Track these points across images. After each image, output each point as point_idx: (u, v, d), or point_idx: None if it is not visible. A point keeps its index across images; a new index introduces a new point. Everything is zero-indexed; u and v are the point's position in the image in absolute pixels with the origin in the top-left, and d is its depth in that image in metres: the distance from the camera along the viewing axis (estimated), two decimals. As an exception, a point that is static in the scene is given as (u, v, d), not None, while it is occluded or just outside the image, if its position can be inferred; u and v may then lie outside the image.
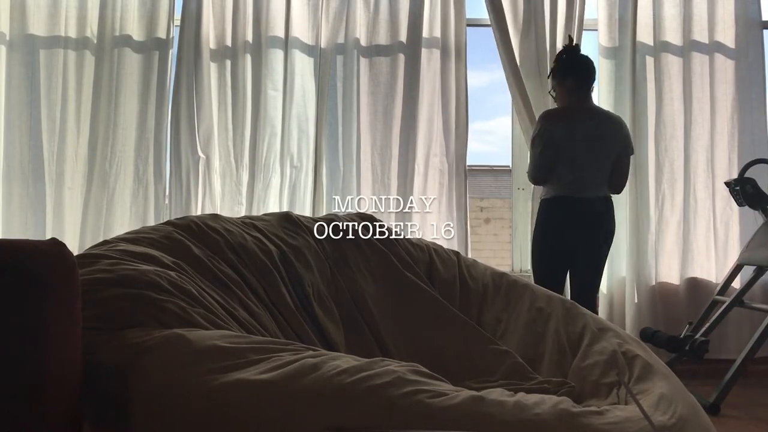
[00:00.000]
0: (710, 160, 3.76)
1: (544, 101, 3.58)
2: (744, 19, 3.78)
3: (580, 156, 2.91)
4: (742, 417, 2.94)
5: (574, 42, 3.17)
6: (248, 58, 3.62)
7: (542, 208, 3.02)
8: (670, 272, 3.73)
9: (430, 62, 3.68)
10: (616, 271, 3.71)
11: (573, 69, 3.05)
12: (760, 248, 3.32)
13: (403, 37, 3.67)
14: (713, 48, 3.78)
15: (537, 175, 3.00)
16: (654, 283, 3.71)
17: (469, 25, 3.85)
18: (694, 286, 3.72)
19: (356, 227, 2.26)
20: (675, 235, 3.73)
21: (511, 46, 3.65)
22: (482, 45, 3.78)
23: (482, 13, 3.74)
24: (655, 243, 3.72)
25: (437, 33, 3.68)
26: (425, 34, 3.67)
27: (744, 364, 3.04)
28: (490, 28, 3.72)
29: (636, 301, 3.69)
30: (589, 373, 1.78)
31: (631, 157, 3.13)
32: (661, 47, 3.77)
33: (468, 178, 3.70)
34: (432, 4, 3.68)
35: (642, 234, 3.71)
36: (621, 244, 3.71)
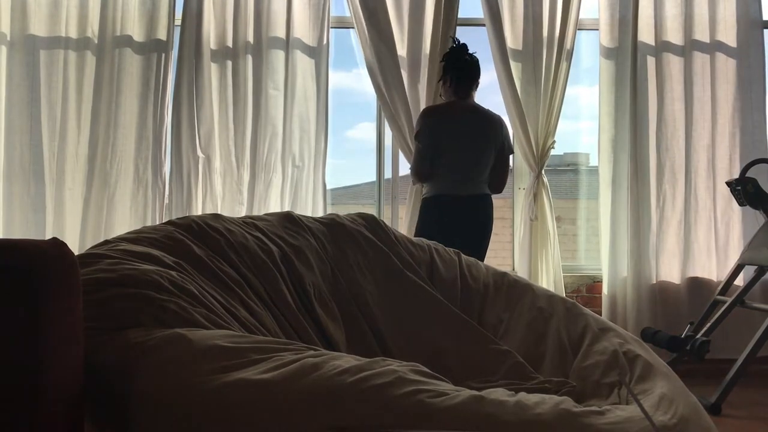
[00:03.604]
0: (711, 160, 3.76)
1: (535, 101, 3.60)
2: (745, 19, 3.78)
3: (460, 154, 2.95)
4: (743, 417, 2.94)
5: (460, 42, 3.20)
6: (249, 59, 3.63)
7: (423, 206, 3.05)
8: (671, 272, 3.73)
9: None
10: (617, 271, 3.71)
11: (457, 68, 3.08)
12: (761, 248, 3.32)
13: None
14: (714, 48, 3.78)
15: (420, 171, 3.03)
16: (655, 282, 3.71)
17: (466, 25, 3.86)
18: (696, 285, 3.72)
19: (357, 227, 2.26)
20: (676, 234, 3.73)
21: (505, 46, 3.66)
22: (483, 44, 3.76)
23: (479, 12, 3.75)
24: (656, 243, 3.72)
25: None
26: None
27: (745, 364, 3.04)
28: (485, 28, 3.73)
29: (637, 301, 3.69)
30: (590, 373, 1.78)
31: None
32: (662, 47, 3.77)
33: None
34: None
35: (643, 234, 3.71)
36: (622, 244, 3.70)
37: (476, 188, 2.98)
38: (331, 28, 3.74)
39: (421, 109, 3.28)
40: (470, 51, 3.14)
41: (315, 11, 3.68)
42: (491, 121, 3.07)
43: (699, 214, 3.75)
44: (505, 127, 3.14)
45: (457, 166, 2.95)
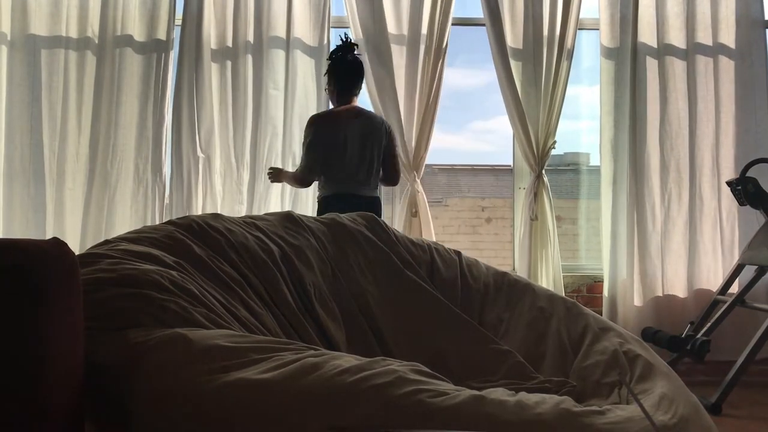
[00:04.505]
0: (716, 159, 3.76)
1: (536, 101, 3.60)
2: (746, 19, 3.78)
3: (350, 156, 3.00)
4: (743, 417, 2.94)
5: (352, 41, 3.18)
6: (249, 58, 3.63)
7: (320, 206, 3.09)
8: (675, 272, 3.72)
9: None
10: (618, 270, 3.71)
11: (341, 71, 3.10)
12: (761, 248, 3.32)
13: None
14: (717, 47, 3.78)
15: (307, 178, 3.10)
16: (657, 282, 3.71)
17: (464, 24, 3.86)
18: (699, 285, 3.72)
19: (358, 227, 2.26)
20: (682, 234, 3.72)
21: (505, 46, 3.66)
22: (483, 44, 3.76)
23: (479, 12, 3.75)
24: (661, 243, 3.72)
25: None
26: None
27: (746, 363, 3.04)
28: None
29: (637, 300, 3.69)
30: (591, 372, 1.78)
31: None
32: (664, 49, 3.76)
33: (469, 178, 3.70)
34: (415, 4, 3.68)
35: (647, 233, 3.70)
36: (622, 244, 3.70)
37: (364, 190, 3.05)
38: (332, 27, 3.74)
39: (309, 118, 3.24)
40: (356, 52, 3.15)
41: (315, 11, 3.68)
42: (375, 123, 3.12)
43: (704, 213, 3.74)
44: (388, 126, 3.19)
45: (344, 170, 3.01)
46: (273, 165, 3.54)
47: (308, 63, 3.66)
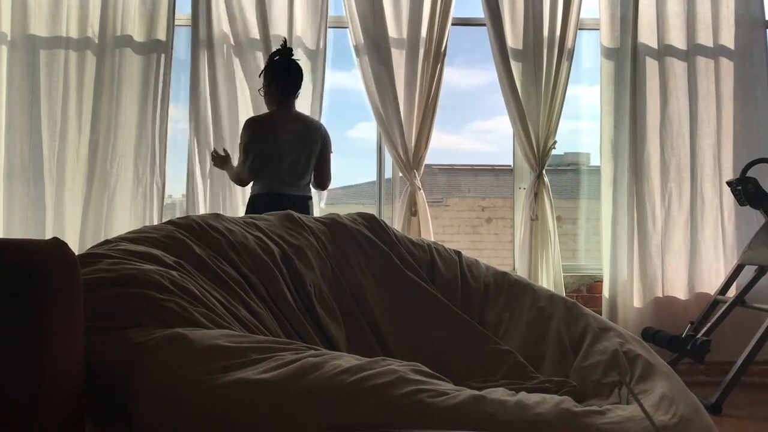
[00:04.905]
0: (717, 158, 3.75)
1: (536, 101, 3.60)
2: (747, 19, 3.77)
3: (284, 159, 3.04)
4: (743, 417, 2.94)
5: (288, 46, 3.19)
6: (250, 58, 3.63)
7: (250, 203, 3.11)
8: (676, 271, 3.72)
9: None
10: (618, 270, 3.71)
11: (280, 76, 3.10)
12: (761, 248, 3.32)
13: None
14: (717, 47, 3.77)
15: (245, 179, 3.14)
16: (658, 283, 3.71)
17: (464, 24, 3.85)
18: (700, 285, 3.71)
19: (358, 227, 2.26)
20: (683, 234, 3.72)
21: (506, 46, 3.66)
22: (483, 44, 3.76)
23: (480, 12, 3.75)
24: (662, 243, 3.71)
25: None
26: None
27: (745, 363, 3.04)
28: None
29: (637, 300, 3.69)
30: (591, 372, 1.78)
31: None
32: (664, 49, 3.76)
33: (469, 178, 3.70)
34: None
35: (647, 233, 3.70)
36: (622, 244, 3.70)
37: (293, 190, 3.08)
38: (330, 27, 3.74)
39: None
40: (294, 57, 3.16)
41: (313, 12, 3.68)
42: (312, 128, 3.15)
43: (706, 213, 3.74)
44: (324, 130, 3.21)
45: (277, 172, 3.04)
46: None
47: (305, 64, 3.65)
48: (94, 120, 3.58)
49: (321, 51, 3.67)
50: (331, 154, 3.24)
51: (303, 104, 3.65)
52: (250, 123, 3.11)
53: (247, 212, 3.13)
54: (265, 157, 3.04)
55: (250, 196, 3.15)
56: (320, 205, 3.62)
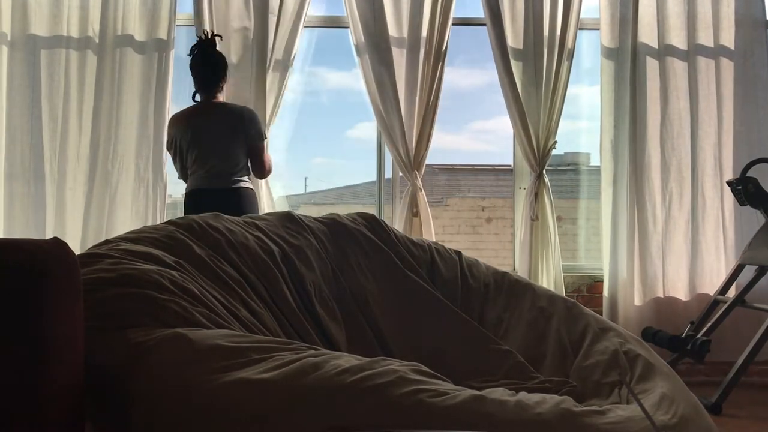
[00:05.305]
0: (718, 158, 3.75)
1: (536, 101, 3.60)
2: (747, 18, 3.77)
3: (212, 151, 3.00)
4: (743, 417, 2.94)
5: (211, 36, 3.17)
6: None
7: (186, 201, 3.11)
8: (677, 272, 3.72)
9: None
10: (618, 270, 3.71)
11: (198, 67, 3.09)
12: (761, 248, 3.32)
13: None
14: (717, 47, 3.77)
15: (180, 177, 3.17)
16: (658, 283, 3.70)
17: (464, 24, 3.85)
18: (701, 285, 3.71)
19: (358, 227, 2.26)
20: (684, 234, 3.72)
21: (506, 45, 3.66)
22: (483, 44, 3.76)
23: (480, 12, 3.75)
24: (662, 243, 3.71)
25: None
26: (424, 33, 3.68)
27: (745, 363, 3.04)
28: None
29: (637, 300, 3.68)
30: (591, 372, 1.78)
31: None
32: (665, 49, 3.75)
33: (469, 178, 3.70)
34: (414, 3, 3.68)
35: (648, 233, 3.70)
36: (623, 244, 3.70)
37: (226, 182, 3.02)
38: (331, 27, 3.74)
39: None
40: (216, 46, 3.13)
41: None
42: (237, 114, 3.08)
43: (707, 213, 3.73)
44: (254, 116, 3.13)
45: (206, 164, 3.01)
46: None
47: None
48: (95, 119, 3.57)
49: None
50: (265, 141, 3.17)
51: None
52: (171, 120, 3.13)
53: (185, 212, 3.07)
54: (183, 153, 3.04)
55: (185, 194, 3.12)
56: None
